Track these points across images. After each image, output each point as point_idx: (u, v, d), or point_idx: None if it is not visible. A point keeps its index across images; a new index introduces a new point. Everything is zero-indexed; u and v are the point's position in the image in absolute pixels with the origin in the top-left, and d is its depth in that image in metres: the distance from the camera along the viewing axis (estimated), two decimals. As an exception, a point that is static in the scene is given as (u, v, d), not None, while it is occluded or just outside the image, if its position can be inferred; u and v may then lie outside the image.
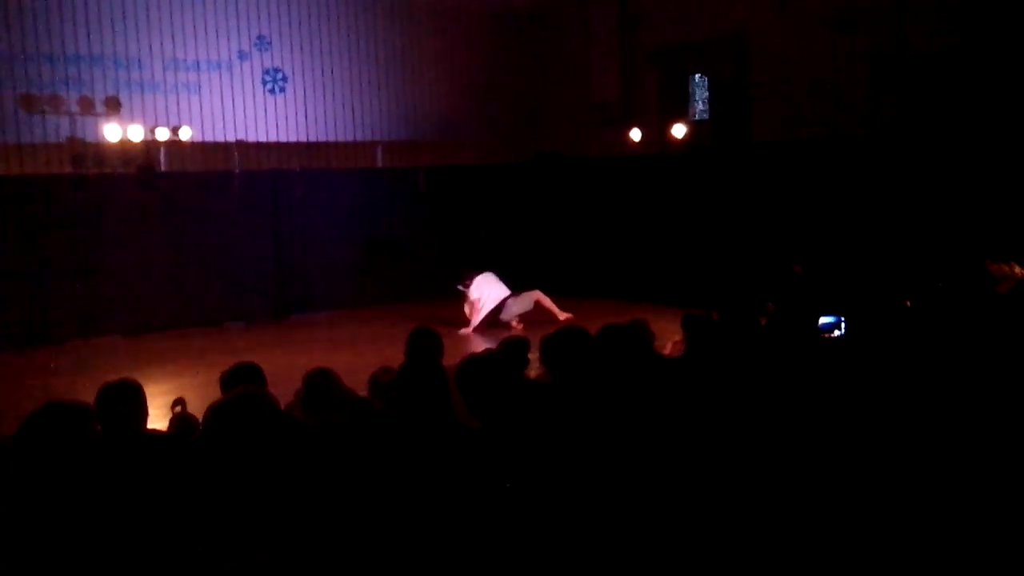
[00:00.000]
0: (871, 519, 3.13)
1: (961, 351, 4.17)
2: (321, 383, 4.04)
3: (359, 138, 13.66)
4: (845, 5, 10.34)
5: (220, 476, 2.02)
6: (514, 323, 11.08)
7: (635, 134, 12.66)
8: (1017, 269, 6.05)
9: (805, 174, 10.76)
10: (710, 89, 12.51)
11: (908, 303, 4.87)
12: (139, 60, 11.88)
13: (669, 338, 6.08)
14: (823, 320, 4.46)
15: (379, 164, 13.80)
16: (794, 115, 11.03)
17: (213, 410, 2.19)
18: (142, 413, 3.56)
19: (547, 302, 11.13)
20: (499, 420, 3.35)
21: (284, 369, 5.78)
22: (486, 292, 11.14)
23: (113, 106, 11.64)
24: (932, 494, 3.21)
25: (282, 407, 4.57)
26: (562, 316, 10.83)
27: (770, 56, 11.34)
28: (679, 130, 12.06)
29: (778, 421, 3.60)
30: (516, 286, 11.50)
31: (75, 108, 11.47)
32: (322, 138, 13.36)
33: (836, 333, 4.44)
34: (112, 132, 11.46)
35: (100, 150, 11.57)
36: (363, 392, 4.93)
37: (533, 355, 5.05)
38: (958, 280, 6.04)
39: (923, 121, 9.55)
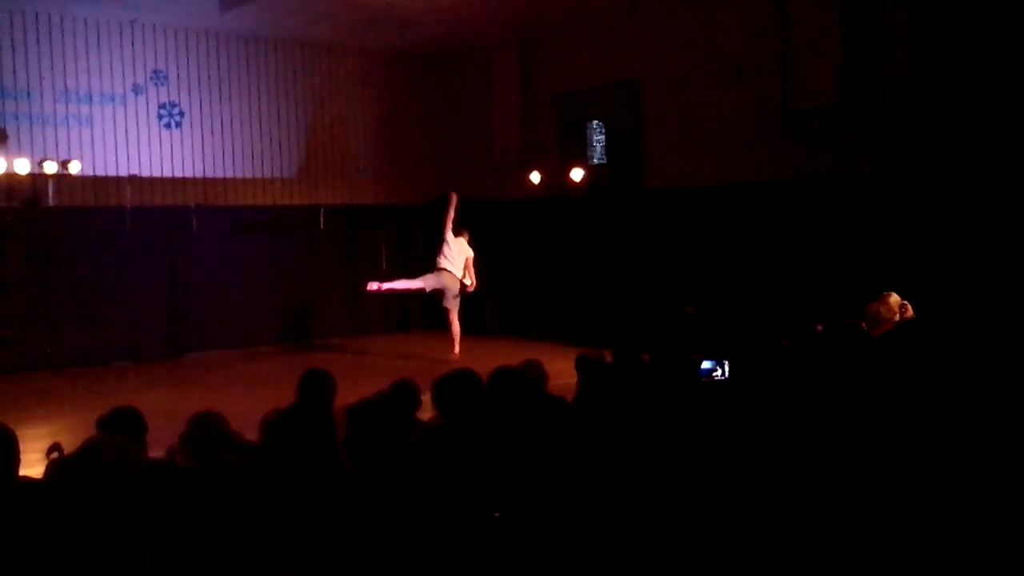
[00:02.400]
0: (750, 558, 3.25)
1: (836, 394, 4.36)
2: (206, 427, 3.96)
3: (258, 175, 13.49)
4: (732, 58, 10.78)
5: (82, 527, 1.99)
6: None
7: (535, 177, 12.86)
8: (893, 305, 6.33)
9: (695, 219, 11.13)
10: (606, 135, 12.84)
11: (786, 344, 5.08)
12: (28, 91, 11.51)
13: (564, 379, 6.14)
14: (704, 364, 4.60)
15: (278, 201, 13.63)
16: (684, 163, 11.40)
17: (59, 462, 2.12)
18: (13, 459, 3.42)
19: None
20: (389, 463, 3.35)
21: (172, 411, 5.64)
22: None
23: (-1, 138, 11.25)
24: (812, 533, 3.34)
25: (165, 451, 4.49)
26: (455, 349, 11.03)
27: (662, 105, 11.73)
28: (577, 174, 12.31)
29: (660, 462, 3.70)
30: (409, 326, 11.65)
31: (-42, 139, 11.05)
32: (220, 174, 13.14)
33: (716, 376, 4.58)
34: (-4, 164, 11.06)
35: (-17, 183, 11.15)
36: (254, 436, 4.85)
37: (425, 396, 5.06)
38: (837, 323, 6.31)
39: (806, 172, 9.99)
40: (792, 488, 3.56)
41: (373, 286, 11.23)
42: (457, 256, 11.41)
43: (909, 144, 9.17)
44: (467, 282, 11.43)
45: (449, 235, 11.42)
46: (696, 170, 11.24)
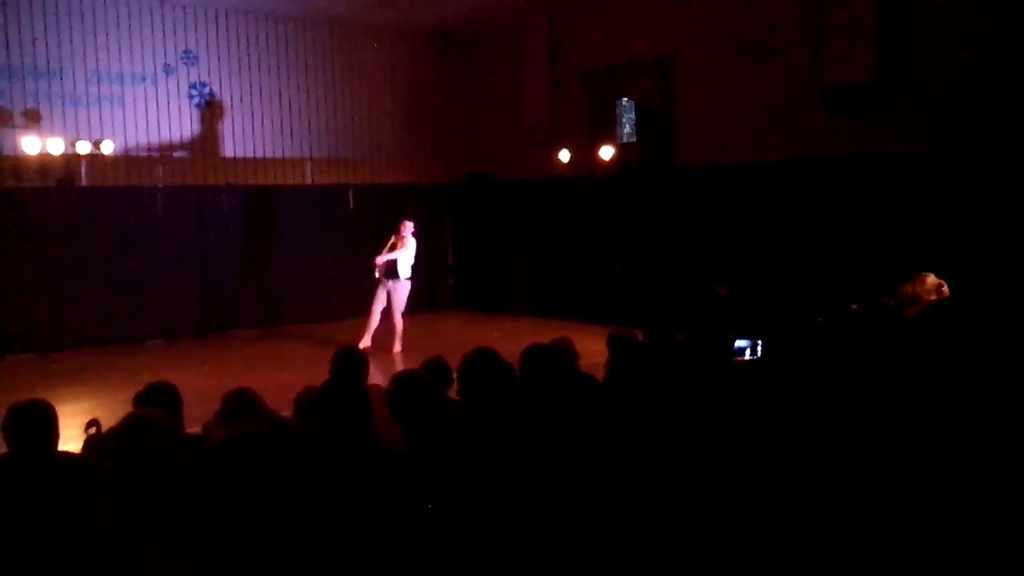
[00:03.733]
0: (782, 541, 3.22)
1: (871, 374, 4.31)
2: (240, 403, 3.99)
3: (288, 154, 13.53)
4: (766, 34, 10.62)
5: (120, 502, 2.01)
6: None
7: (564, 155, 12.80)
8: (930, 286, 6.23)
9: (726, 197, 11.02)
10: (636, 112, 12.72)
11: (821, 322, 5.02)
12: (60, 72, 11.60)
13: (594, 358, 6.13)
14: (738, 343, 4.54)
15: (308, 181, 13.68)
16: (715, 140, 11.29)
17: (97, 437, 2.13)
18: (52, 434, 3.47)
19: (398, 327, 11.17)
20: (430, 439, 3.36)
21: (206, 389, 5.69)
22: (410, 253, 11.16)
23: (33, 118, 11.35)
24: (846, 514, 3.31)
25: (201, 428, 4.53)
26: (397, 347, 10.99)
27: (693, 82, 11.60)
28: (607, 152, 12.23)
29: (693, 442, 3.68)
30: (441, 305, 11.54)
31: (-8, 120, 11.17)
32: (249, 154, 13.20)
33: (748, 356, 4.53)
34: (31, 145, 11.16)
35: (18, 163, 11.26)
36: (287, 413, 4.89)
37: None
38: (871, 303, 6.23)
39: (839, 150, 9.85)
40: (827, 468, 3.52)
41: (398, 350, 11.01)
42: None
43: (945, 122, 9.01)
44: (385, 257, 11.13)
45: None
46: (727, 147, 11.13)
